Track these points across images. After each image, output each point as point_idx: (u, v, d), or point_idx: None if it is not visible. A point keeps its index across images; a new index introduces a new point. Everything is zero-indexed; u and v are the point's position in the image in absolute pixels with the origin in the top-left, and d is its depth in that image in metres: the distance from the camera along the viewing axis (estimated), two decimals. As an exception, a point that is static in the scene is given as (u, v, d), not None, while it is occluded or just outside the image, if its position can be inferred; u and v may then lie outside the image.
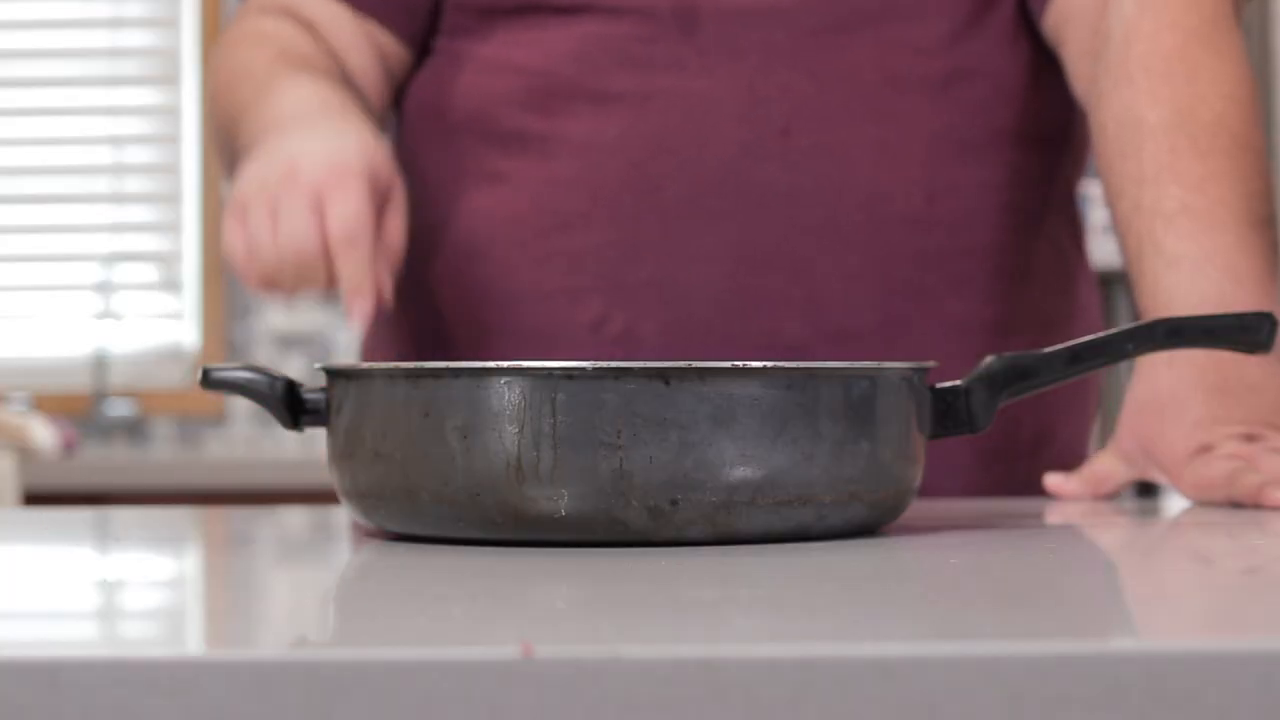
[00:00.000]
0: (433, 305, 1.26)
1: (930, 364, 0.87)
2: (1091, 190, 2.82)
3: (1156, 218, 1.11)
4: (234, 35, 1.31)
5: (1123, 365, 0.97)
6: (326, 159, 1.09)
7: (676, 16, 1.21)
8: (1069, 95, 1.26)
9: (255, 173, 1.11)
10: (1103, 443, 1.17)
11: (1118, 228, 1.15)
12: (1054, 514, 1.03)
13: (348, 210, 1.07)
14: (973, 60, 1.23)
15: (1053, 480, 1.13)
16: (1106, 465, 1.12)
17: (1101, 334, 0.91)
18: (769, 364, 0.80)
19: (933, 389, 0.88)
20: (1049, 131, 1.27)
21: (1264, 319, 0.92)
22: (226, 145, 1.25)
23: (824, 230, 1.20)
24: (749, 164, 1.20)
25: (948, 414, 0.89)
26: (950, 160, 1.22)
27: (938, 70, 1.22)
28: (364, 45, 1.28)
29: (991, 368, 0.90)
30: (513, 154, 1.23)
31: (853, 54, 1.21)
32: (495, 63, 1.24)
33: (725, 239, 1.20)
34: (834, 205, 1.20)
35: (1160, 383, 1.09)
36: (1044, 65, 1.26)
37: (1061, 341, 0.92)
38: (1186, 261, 1.09)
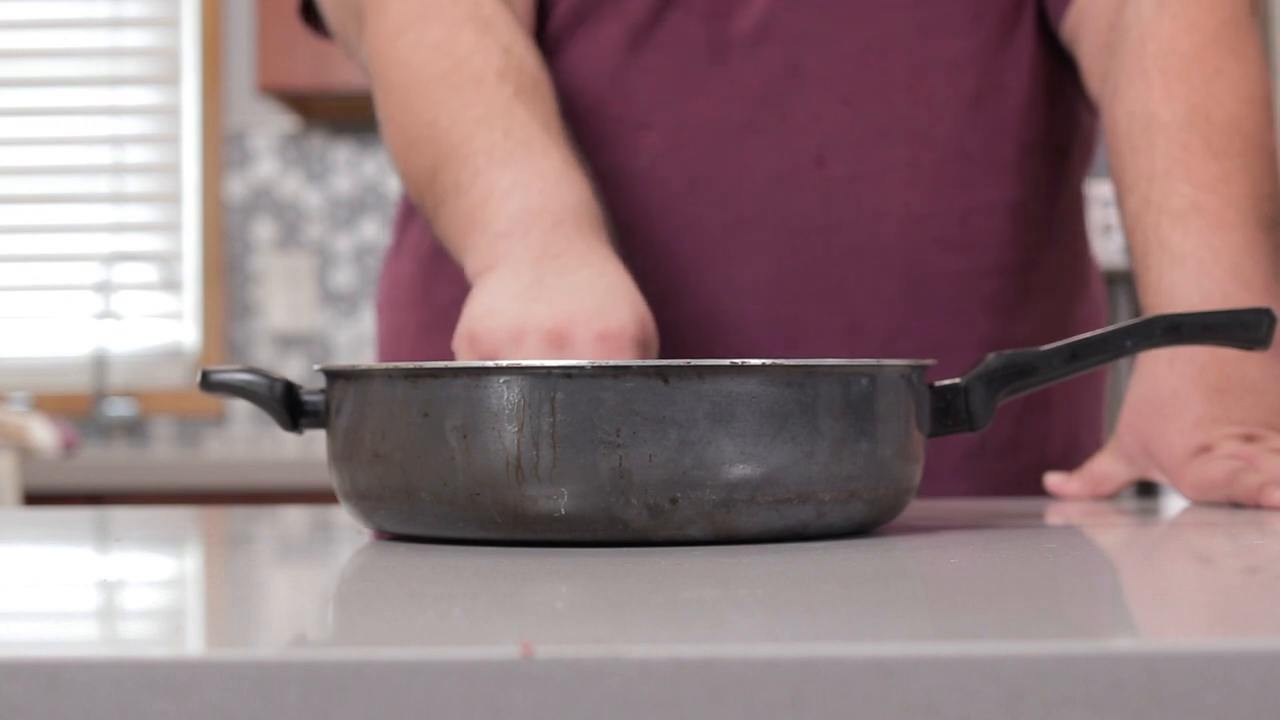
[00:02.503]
0: None
1: (929, 362, 0.87)
2: (1092, 190, 2.82)
3: (1164, 214, 1.10)
4: None
5: (1124, 365, 0.96)
6: (596, 325, 0.96)
7: (708, 41, 1.19)
8: (1082, 101, 1.26)
9: (505, 318, 0.97)
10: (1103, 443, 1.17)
11: (1125, 223, 1.14)
12: (1054, 514, 1.03)
13: None
14: (1001, 75, 1.22)
15: (1053, 480, 1.13)
16: (1106, 465, 1.12)
17: (1099, 331, 0.91)
18: (768, 361, 0.79)
19: (931, 387, 0.88)
20: (1064, 140, 1.26)
21: (1262, 315, 0.92)
22: (419, 158, 1.11)
23: (862, 257, 1.19)
24: (785, 196, 1.18)
25: (947, 412, 0.89)
26: (980, 179, 1.21)
27: (969, 87, 1.21)
28: None
29: (990, 365, 0.90)
30: None
31: (885, 75, 1.20)
32: None
33: (764, 271, 1.18)
34: (871, 232, 1.19)
35: (1160, 382, 1.09)
36: (1061, 75, 1.25)
37: None
38: (1192, 260, 1.09)
